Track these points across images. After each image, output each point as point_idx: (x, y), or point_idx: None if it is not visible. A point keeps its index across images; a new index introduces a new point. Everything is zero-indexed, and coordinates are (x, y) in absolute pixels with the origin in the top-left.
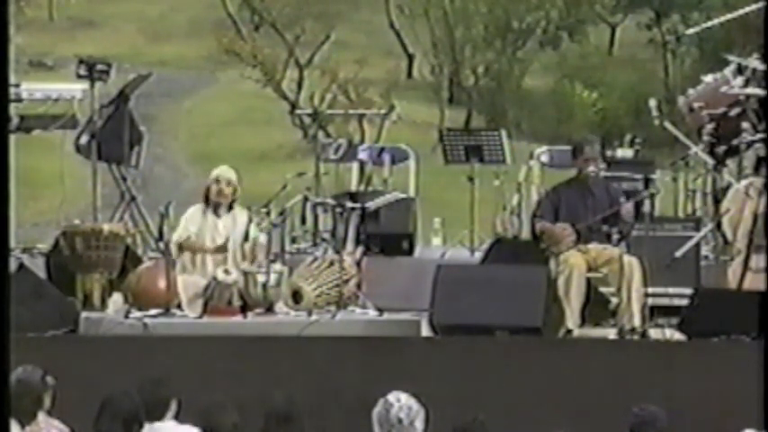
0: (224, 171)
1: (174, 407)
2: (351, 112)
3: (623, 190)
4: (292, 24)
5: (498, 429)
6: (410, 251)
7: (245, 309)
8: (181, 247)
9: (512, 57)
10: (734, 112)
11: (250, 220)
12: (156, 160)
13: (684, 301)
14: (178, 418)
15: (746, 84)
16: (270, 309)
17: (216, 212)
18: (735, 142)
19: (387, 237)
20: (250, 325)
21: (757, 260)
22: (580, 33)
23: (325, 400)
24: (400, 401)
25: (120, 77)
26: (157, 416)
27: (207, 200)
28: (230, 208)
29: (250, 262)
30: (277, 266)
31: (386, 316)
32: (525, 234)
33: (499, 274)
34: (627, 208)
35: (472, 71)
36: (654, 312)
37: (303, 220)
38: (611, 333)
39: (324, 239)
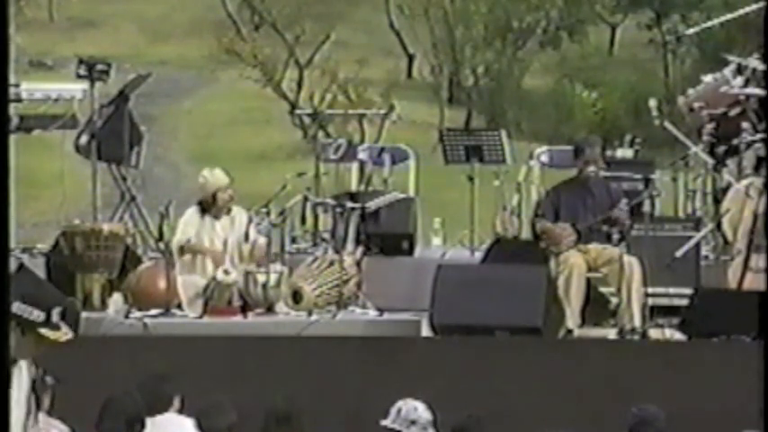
0: (224, 176)
1: (176, 403)
2: (351, 112)
3: (623, 190)
4: (292, 24)
5: (498, 429)
6: (410, 251)
7: (245, 309)
8: (182, 250)
9: (512, 57)
10: (734, 112)
11: (250, 221)
12: (156, 160)
13: (684, 301)
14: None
15: (746, 84)
16: (270, 309)
17: (214, 215)
18: (735, 142)
19: (387, 237)
20: (250, 325)
21: (757, 260)
22: (580, 33)
23: (325, 401)
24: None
25: (120, 77)
26: (159, 411)
27: (207, 205)
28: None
29: (250, 262)
30: (277, 266)
31: (386, 316)
32: (525, 234)
33: (499, 274)
34: (620, 212)
35: (472, 71)
36: (654, 312)
37: (303, 221)
38: (611, 333)
39: (324, 239)
